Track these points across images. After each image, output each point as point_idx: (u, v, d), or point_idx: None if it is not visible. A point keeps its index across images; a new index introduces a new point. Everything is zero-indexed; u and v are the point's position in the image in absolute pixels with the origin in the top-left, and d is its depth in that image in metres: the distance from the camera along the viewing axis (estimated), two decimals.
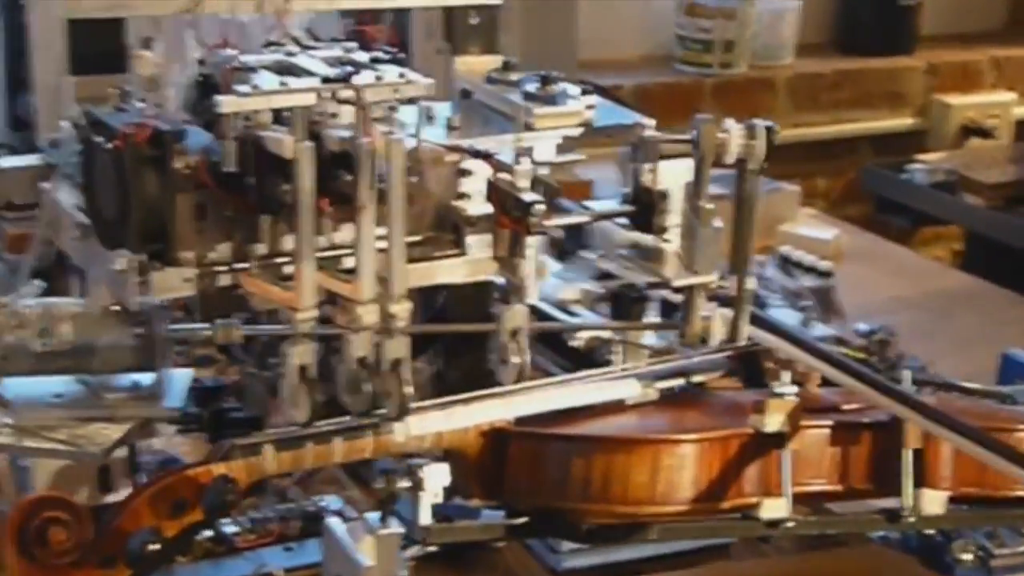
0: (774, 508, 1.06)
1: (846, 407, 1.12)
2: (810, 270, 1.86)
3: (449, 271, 1.09)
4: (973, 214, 2.33)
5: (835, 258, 2.24)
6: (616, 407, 1.10)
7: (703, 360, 1.13)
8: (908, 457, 1.09)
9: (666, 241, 1.12)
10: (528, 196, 1.00)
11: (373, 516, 1.04)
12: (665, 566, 1.25)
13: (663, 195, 1.11)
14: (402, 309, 0.99)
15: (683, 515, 1.05)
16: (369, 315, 0.99)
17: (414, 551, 1.21)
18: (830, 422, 1.10)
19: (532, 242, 1.03)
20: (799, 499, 1.08)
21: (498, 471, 1.05)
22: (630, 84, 2.73)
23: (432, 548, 1.23)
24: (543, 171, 1.11)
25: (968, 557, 1.23)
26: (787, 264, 1.86)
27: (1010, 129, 2.93)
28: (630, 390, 1.10)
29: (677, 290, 1.11)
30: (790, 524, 1.07)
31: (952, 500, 1.11)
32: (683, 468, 1.03)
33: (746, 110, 1.08)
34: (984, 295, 2.11)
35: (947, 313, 2.01)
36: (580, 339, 1.29)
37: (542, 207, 1.00)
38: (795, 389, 1.07)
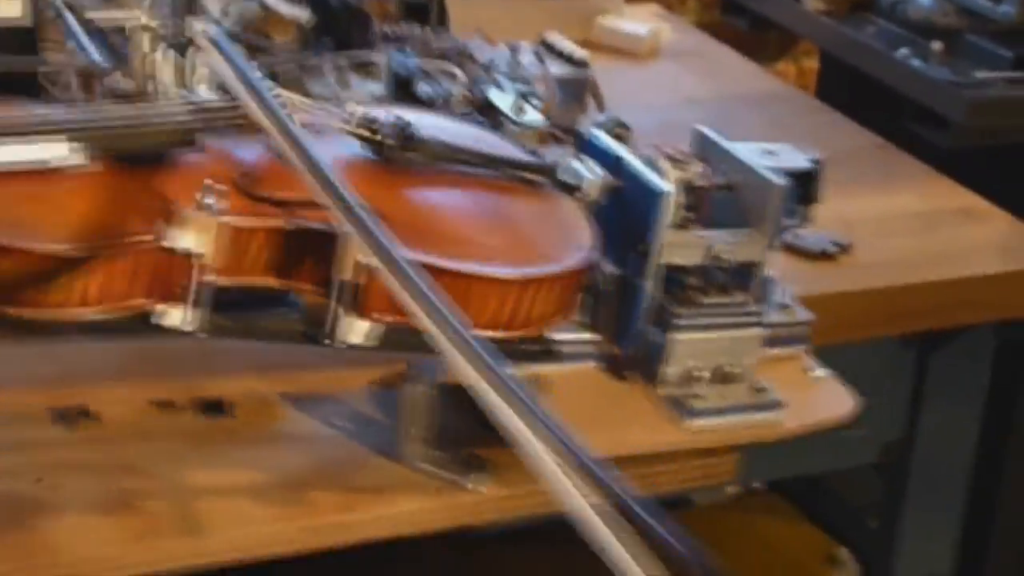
0: (175, 317, 0.97)
1: (300, 203, 0.98)
2: (568, 59, 1.78)
3: None
4: (804, 19, 2.15)
5: (650, 54, 2.13)
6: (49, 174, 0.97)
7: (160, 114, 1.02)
8: (338, 284, 0.98)
9: None
10: None
11: None
12: None
13: None
14: None
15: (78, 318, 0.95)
16: None
17: None
18: (272, 224, 0.98)
19: None
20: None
21: None
22: None
23: None
24: None
25: None
26: (547, 51, 1.78)
27: None
28: (55, 152, 0.98)
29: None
30: (200, 335, 0.98)
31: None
32: (59, 274, 0.93)
33: None
34: (786, 99, 1.97)
35: (735, 115, 1.88)
36: None
37: None
38: (215, 205, 0.95)
